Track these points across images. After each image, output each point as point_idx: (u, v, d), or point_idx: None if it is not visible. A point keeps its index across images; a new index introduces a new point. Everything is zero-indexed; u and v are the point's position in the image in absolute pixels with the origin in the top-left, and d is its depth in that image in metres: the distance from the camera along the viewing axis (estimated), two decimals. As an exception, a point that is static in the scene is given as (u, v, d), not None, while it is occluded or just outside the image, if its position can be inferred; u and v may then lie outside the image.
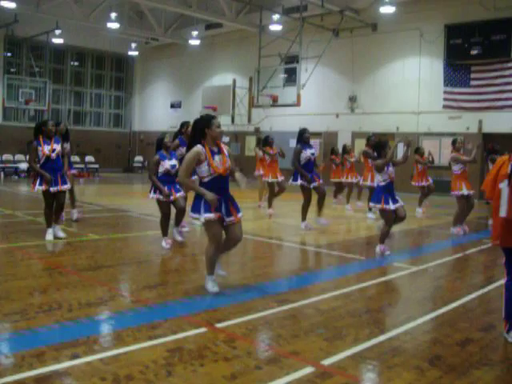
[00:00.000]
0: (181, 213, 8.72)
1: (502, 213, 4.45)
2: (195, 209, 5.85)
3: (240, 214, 6.00)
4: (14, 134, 26.51)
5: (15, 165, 25.04)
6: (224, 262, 6.40)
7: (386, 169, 8.35)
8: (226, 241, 6.05)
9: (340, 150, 15.67)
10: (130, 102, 33.59)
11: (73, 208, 11.09)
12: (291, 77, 21.77)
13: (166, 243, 8.53)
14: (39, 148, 8.66)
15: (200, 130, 5.86)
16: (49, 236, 8.82)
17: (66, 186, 9.03)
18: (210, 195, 5.67)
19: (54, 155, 8.77)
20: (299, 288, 6.53)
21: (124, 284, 6.63)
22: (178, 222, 9.02)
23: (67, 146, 10.30)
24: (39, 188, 8.71)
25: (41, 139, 8.71)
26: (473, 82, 19.24)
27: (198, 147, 5.77)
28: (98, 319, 5.07)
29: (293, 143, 12.44)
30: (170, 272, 7.29)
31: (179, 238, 8.93)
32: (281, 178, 13.12)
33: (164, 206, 8.57)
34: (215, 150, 5.88)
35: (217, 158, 5.84)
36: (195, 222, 10.16)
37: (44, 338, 4.47)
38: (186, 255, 8.44)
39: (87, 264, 7.28)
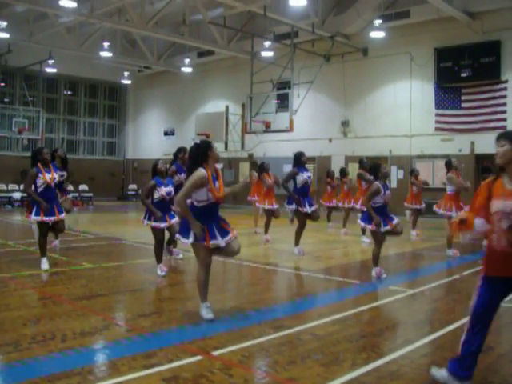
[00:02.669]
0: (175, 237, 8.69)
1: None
2: (184, 232, 5.85)
3: (235, 231, 6.03)
4: (8, 164, 26.50)
5: (8, 194, 24.95)
6: (219, 288, 6.34)
7: (382, 192, 8.36)
8: (225, 254, 6.08)
9: (336, 173, 15.69)
10: (124, 130, 33.69)
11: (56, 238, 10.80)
12: (283, 102, 21.91)
13: (161, 270, 8.47)
14: (40, 175, 8.61)
15: (202, 154, 5.87)
16: (44, 265, 8.73)
17: (63, 215, 9.01)
18: (197, 227, 5.67)
19: (53, 184, 8.75)
20: (295, 314, 6.48)
21: (119, 313, 6.57)
22: (171, 241, 9.03)
23: (64, 173, 10.24)
24: (35, 218, 8.64)
25: (41, 167, 8.66)
26: (464, 104, 19.41)
27: (202, 171, 5.76)
28: (92, 349, 5.00)
29: (286, 169, 12.48)
30: (165, 300, 7.23)
31: (174, 256, 8.93)
32: (276, 206, 13.11)
33: (158, 233, 8.52)
34: (214, 175, 5.91)
35: (217, 184, 5.87)
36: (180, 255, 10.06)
37: (37, 370, 4.39)
38: (180, 283, 8.40)
39: (81, 293, 7.21)
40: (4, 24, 20.37)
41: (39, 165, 8.66)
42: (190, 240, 5.81)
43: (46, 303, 6.69)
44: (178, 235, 5.98)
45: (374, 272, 8.47)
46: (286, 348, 5.02)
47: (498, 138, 3.94)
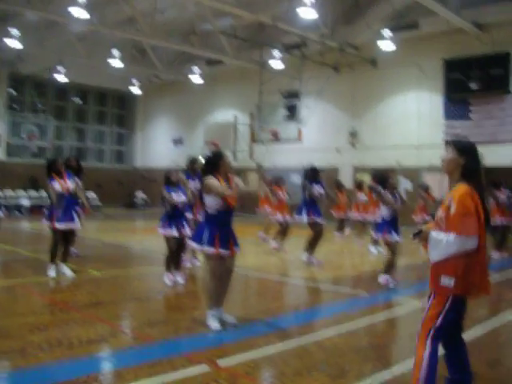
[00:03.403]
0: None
1: (488, 254, 3.81)
2: (197, 239, 5.87)
3: (237, 249, 6.01)
4: (17, 170, 26.61)
5: (17, 201, 25.04)
6: (226, 297, 6.32)
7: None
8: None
9: (344, 183, 15.71)
10: (132, 138, 33.78)
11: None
12: (292, 112, 21.92)
13: (168, 279, 8.45)
14: (53, 186, 8.74)
15: (214, 164, 5.96)
16: (51, 272, 8.75)
17: (79, 224, 9.08)
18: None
19: (67, 192, 8.81)
20: (302, 324, 6.47)
21: (125, 321, 6.57)
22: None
23: (78, 181, 10.25)
24: (59, 226, 8.71)
25: (55, 177, 8.77)
26: (473, 116, 19.35)
27: (213, 178, 5.85)
28: (98, 357, 5.01)
29: (294, 179, 12.51)
30: (172, 309, 7.22)
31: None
32: (288, 218, 13.07)
33: (172, 243, 8.48)
34: (227, 183, 5.96)
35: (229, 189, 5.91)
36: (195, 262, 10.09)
37: (43, 377, 4.40)
38: (187, 292, 8.36)
39: (88, 300, 7.22)
40: (15, 32, 20.51)
41: (53, 175, 8.79)
42: (202, 246, 5.83)
43: (53, 310, 6.70)
44: (190, 241, 5.99)
45: (382, 279, 8.45)
46: (292, 359, 5.00)
47: (446, 144, 3.84)
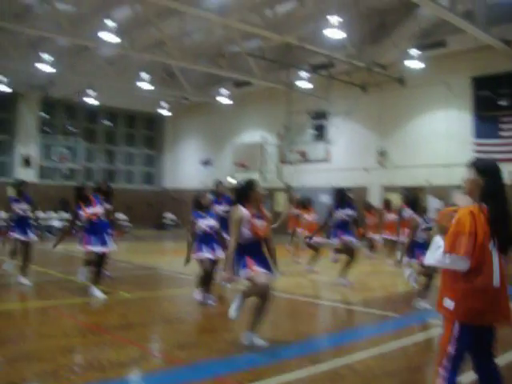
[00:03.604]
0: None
1: (496, 280, 3.45)
2: (239, 267, 5.86)
3: (273, 274, 5.98)
4: (48, 192, 26.99)
5: (48, 222, 25.37)
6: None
7: (420, 226, 8.33)
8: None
9: (373, 203, 15.62)
10: (161, 159, 34.10)
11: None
12: (320, 132, 21.91)
13: (198, 295, 8.44)
14: (80, 213, 8.88)
15: (244, 193, 5.95)
16: (96, 293, 8.84)
17: (110, 248, 9.15)
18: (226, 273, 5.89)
19: (95, 218, 8.89)
20: (334, 347, 6.38)
21: (155, 343, 6.57)
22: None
23: (108, 205, 10.28)
24: (90, 248, 8.84)
25: (82, 205, 8.89)
26: (502, 133, 19.12)
27: (239, 212, 5.85)
28: (129, 379, 5.01)
29: (323, 199, 12.49)
30: (202, 331, 7.20)
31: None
32: (320, 240, 12.98)
33: (206, 264, 8.47)
34: (257, 213, 5.93)
35: (259, 222, 5.87)
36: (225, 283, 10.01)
37: (75, 400, 4.41)
38: (217, 313, 8.29)
39: (118, 323, 7.24)
40: (47, 57, 20.96)
41: (80, 202, 8.89)
42: (239, 274, 5.84)
43: (85, 332, 6.73)
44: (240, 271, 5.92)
45: (418, 303, 8.34)
46: (325, 383, 4.93)
47: (468, 164, 3.69)
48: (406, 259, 8.74)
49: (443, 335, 3.59)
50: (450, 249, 3.44)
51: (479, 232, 3.44)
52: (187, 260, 8.48)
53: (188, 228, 8.80)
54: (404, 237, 12.62)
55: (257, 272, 5.78)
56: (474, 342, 3.53)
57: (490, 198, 3.52)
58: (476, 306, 3.43)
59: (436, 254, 3.53)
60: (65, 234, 9.44)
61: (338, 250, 11.37)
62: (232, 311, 5.95)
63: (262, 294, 5.85)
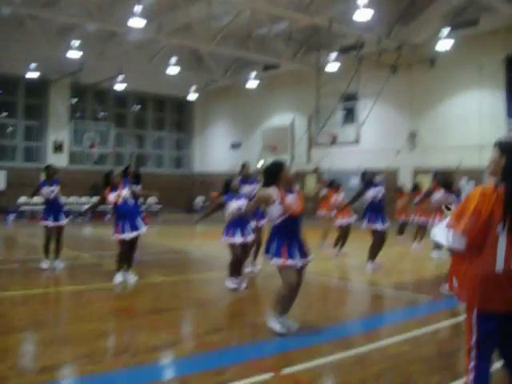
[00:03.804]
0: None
1: (500, 265, 3.28)
2: (266, 250, 5.84)
3: (306, 260, 5.94)
4: (80, 177, 27.28)
5: (79, 207, 25.65)
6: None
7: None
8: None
9: (406, 186, 15.45)
10: (191, 143, 34.19)
11: None
12: (350, 114, 21.73)
13: (231, 283, 8.45)
14: (108, 200, 8.93)
15: (274, 175, 5.89)
16: (118, 278, 8.86)
17: (139, 232, 9.12)
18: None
19: (120, 201, 8.90)
20: (366, 331, 6.38)
21: (188, 327, 6.64)
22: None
23: (136, 188, 10.28)
24: (123, 237, 8.82)
25: (107, 191, 8.95)
26: (537, 113, 18.75)
27: (268, 191, 5.81)
28: (163, 364, 5.07)
29: (353, 181, 12.39)
30: (234, 315, 7.24)
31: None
32: (348, 220, 12.87)
33: (237, 249, 8.45)
34: (289, 190, 5.90)
35: (290, 196, 5.84)
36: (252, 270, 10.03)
37: (111, 382, 4.48)
38: (248, 297, 8.34)
39: (152, 307, 7.33)
40: (77, 43, 21.14)
41: (107, 187, 8.94)
42: (271, 259, 5.81)
43: (119, 316, 6.84)
44: (267, 255, 5.91)
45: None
46: (356, 368, 4.93)
47: (494, 144, 3.50)
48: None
49: (466, 322, 3.48)
50: (452, 224, 3.36)
51: (485, 213, 3.27)
52: (197, 221, 8.83)
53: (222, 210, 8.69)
54: (436, 220, 12.53)
55: (289, 266, 5.76)
56: (494, 330, 3.37)
57: (510, 176, 3.31)
58: (479, 291, 3.30)
59: (445, 231, 3.45)
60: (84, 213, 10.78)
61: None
62: (275, 325, 5.85)
63: (290, 289, 5.85)
